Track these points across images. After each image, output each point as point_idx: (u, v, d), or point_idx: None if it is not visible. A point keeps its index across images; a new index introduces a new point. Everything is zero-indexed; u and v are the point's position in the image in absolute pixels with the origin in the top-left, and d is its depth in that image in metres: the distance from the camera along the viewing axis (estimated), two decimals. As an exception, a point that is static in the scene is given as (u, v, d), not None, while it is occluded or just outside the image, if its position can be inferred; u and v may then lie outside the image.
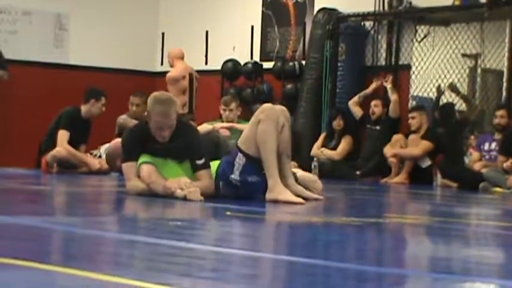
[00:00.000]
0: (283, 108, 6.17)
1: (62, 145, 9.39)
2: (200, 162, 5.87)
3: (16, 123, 12.31)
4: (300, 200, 5.67)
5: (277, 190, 5.63)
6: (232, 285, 2.55)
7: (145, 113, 5.93)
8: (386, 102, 10.91)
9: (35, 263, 2.68)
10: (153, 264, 2.94)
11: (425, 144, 10.14)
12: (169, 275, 2.67)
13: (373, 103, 10.94)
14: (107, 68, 13.31)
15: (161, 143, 5.82)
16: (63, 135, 9.47)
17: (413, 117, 10.28)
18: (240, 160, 5.75)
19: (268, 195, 5.68)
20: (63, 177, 8.67)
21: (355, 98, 11.12)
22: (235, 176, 5.76)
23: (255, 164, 5.72)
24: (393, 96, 10.79)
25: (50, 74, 12.87)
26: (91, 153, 9.91)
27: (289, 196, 5.63)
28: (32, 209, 5.13)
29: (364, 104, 11.12)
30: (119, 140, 6.29)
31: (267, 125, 5.73)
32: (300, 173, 6.41)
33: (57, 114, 9.82)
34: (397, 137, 10.43)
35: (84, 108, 9.68)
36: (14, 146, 12.09)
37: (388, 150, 10.36)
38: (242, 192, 5.77)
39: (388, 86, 10.90)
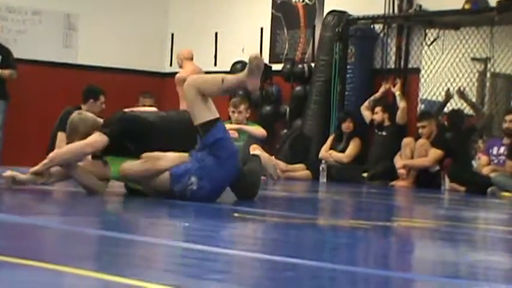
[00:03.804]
0: (187, 82, 5.67)
1: (61, 146, 9.43)
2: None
3: (25, 122, 12.33)
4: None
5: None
6: (240, 287, 2.54)
7: None
8: (391, 108, 10.88)
9: (40, 262, 2.68)
10: (160, 265, 2.94)
11: (436, 153, 10.10)
12: (177, 276, 2.67)
13: (375, 110, 10.92)
14: (116, 68, 13.32)
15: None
16: (61, 138, 9.52)
17: (423, 126, 10.23)
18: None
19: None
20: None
21: (366, 103, 11.09)
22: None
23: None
24: (401, 104, 10.75)
25: (58, 73, 12.89)
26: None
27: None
28: (40, 208, 5.14)
29: (374, 108, 11.09)
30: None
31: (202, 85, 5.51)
32: (258, 153, 6.36)
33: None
34: (407, 141, 10.40)
35: (84, 108, 9.70)
36: (23, 145, 12.10)
37: (398, 161, 10.33)
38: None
39: (397, 92, 10.87)
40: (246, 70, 5.54)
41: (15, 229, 3.82)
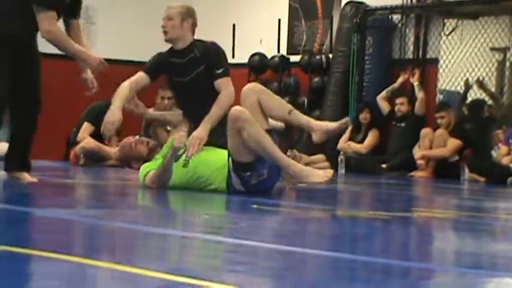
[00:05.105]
0: (249, 87, 6.12)
1: (83, 136, 9.50)
2: (219, 71, 5.93)
3: (43, 115, 12.35)
4: (326, 173, 5.69)
5: (298, 172, 5.62)
6: (260, 279, 2.55)
7: None
8: (412, 99, 10.85)
9: (63, 255, 2.70)
10: (181, 257, 2.95)
11: (455, 143, 10.07)
12: (197, 268, 2.67)
13: (398, 101, 10.86)
14: (135, 61, 13.32)
15: (177, 63, 6.00)
16: (86, 128, 9.57)
17: (442, 117, 10.22)
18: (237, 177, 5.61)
19: (293, 179, 5.75)
20: (90, 170, 8.71)
21: (383, 93, 11.06)
22: (239, 187, 5.65)
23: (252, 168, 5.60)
24: (420, 94, 10.71)
25: (77, 67, 12.90)
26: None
27: (315, 176, 5.63)
28: (60, 201, 5.16)
29: (392, 99, 11.06)
30: (125, 140, 6.41)
31: (250, 128, 5.48)
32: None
33: (84, 107, 9.86)
34: (425, 132, 10.37)
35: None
36: (41, 139, 12.13)
37: (416, 152, 10.31)
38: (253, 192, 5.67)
39: (415, 83, 10.83)
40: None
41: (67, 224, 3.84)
